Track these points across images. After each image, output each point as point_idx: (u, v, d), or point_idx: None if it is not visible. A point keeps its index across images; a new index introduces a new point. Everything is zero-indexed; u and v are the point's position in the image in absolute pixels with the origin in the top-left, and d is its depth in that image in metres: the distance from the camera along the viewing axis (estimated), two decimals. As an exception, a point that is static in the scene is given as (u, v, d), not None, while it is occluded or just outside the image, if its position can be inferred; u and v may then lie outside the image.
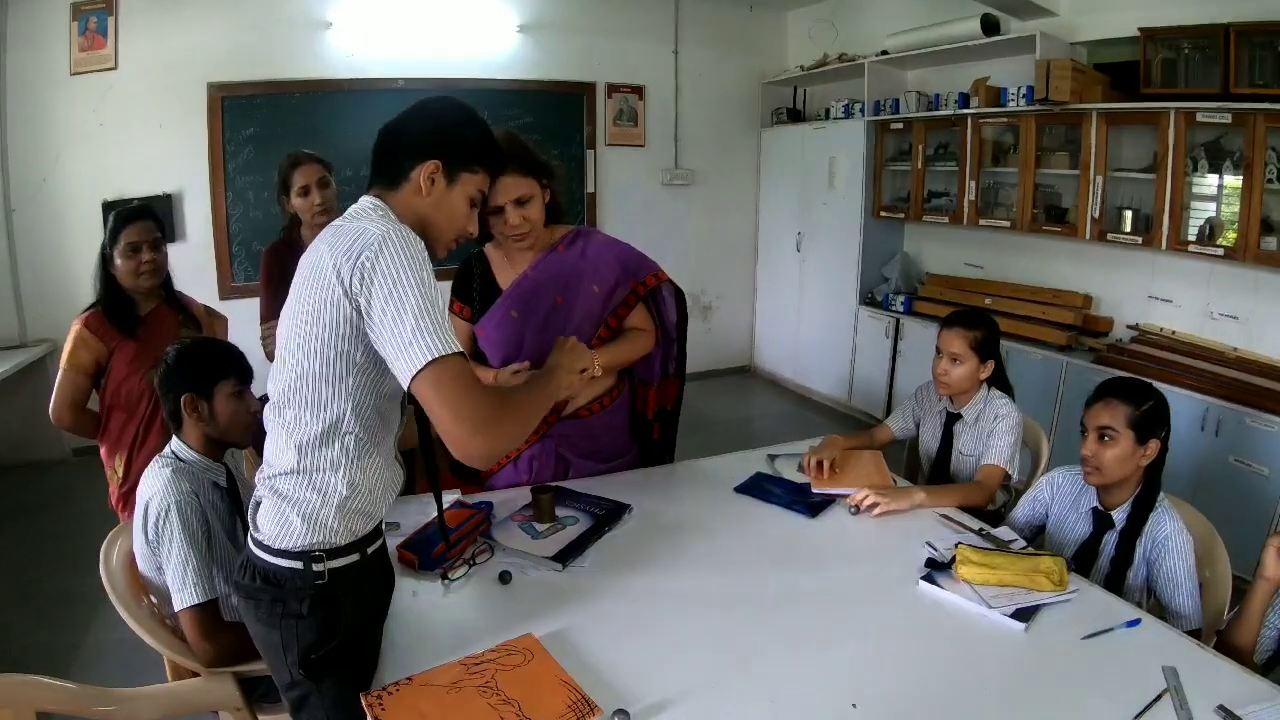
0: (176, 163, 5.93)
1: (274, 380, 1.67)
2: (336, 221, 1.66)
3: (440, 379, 1.48)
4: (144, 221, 2.94)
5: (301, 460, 1.62)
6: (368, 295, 1.49)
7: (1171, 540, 2.23)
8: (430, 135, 1.72)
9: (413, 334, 1.47)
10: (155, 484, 2.18)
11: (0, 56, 5.48)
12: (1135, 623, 1.90)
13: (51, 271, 5.68)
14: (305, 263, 1.63)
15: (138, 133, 5.80)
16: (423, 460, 1.96)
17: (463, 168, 1.74)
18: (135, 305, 2.96)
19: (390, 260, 1.49)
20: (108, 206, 5.55)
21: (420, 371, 1.47)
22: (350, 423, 1.61)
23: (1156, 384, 2.44)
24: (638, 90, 7.39)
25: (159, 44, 5.75)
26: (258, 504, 1.71)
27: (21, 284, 5.77)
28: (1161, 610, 2.24)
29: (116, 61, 5.70)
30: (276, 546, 1.64)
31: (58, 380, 2.89)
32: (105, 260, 2.92)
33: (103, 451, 3.00)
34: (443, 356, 1.48)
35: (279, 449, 1.66)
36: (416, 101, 1.80)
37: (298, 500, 1.63)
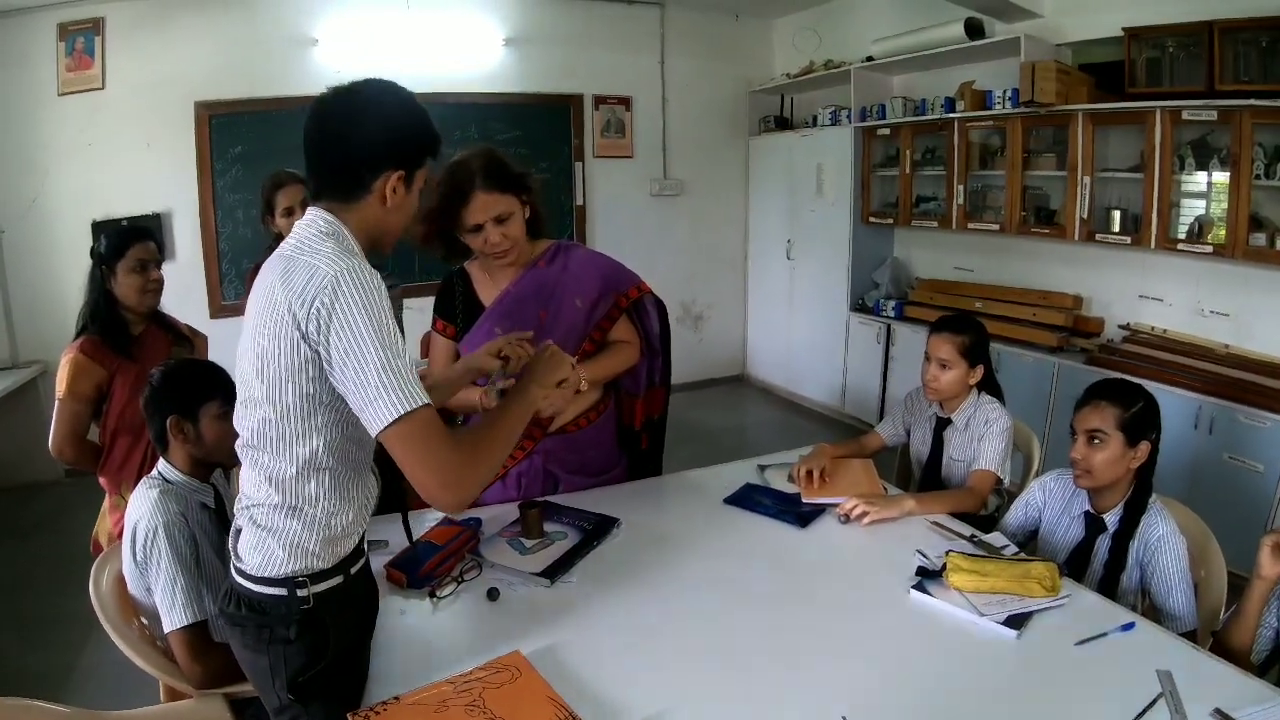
0: (165, 182, 5.95)
1: (241, 421, 1.63)
2: (287, 248, 1.59)
3: (407, 435, 1.47)
4: (150, 241, 2.93)
5: (278, 496, 1.60)
6: (326, 344, 1.46)
7: (1164, 542, 2.22)
8: (387, 142, 1.64)
9: (377, 389, 1.45)
10: (143, 505, 2.17)
11: (-13, 78, 5.49)
12: (1129, 626, 1.89)
13: (42, 292, 5.68)
14: (256, 294, 1.59)
15: (126, 152, 5.82)
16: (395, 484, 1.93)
17: (418, 167, 1.69)
18: (129, 326, 2.93)
19: (346, 306, 1.45)
20: (97, 226, 5.60)
21: (387, 427, 1.46)
22: (324, 458, 1.59)
23: (1148, 383, 2.44)
24: (625, 101, 7.39)
25: (146, 63, 5.77)
26: (238, 532, 1.68)
27: (12, 305, 5.79)
28: (1157, 613, 2.23)
29: (104, 81, 5.73)
30: (259, 575, 1.62)
31: (56, 413, 2.82)
32: (102, 278, 2.86)
33: (104, 482, 2.92)
34: (409, 412, 1.46)
35: (254, 484, 1.63)
36: (348, 93, 1.64)
37: (278, 530, 1.61)
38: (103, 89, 5.73)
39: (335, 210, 1.63)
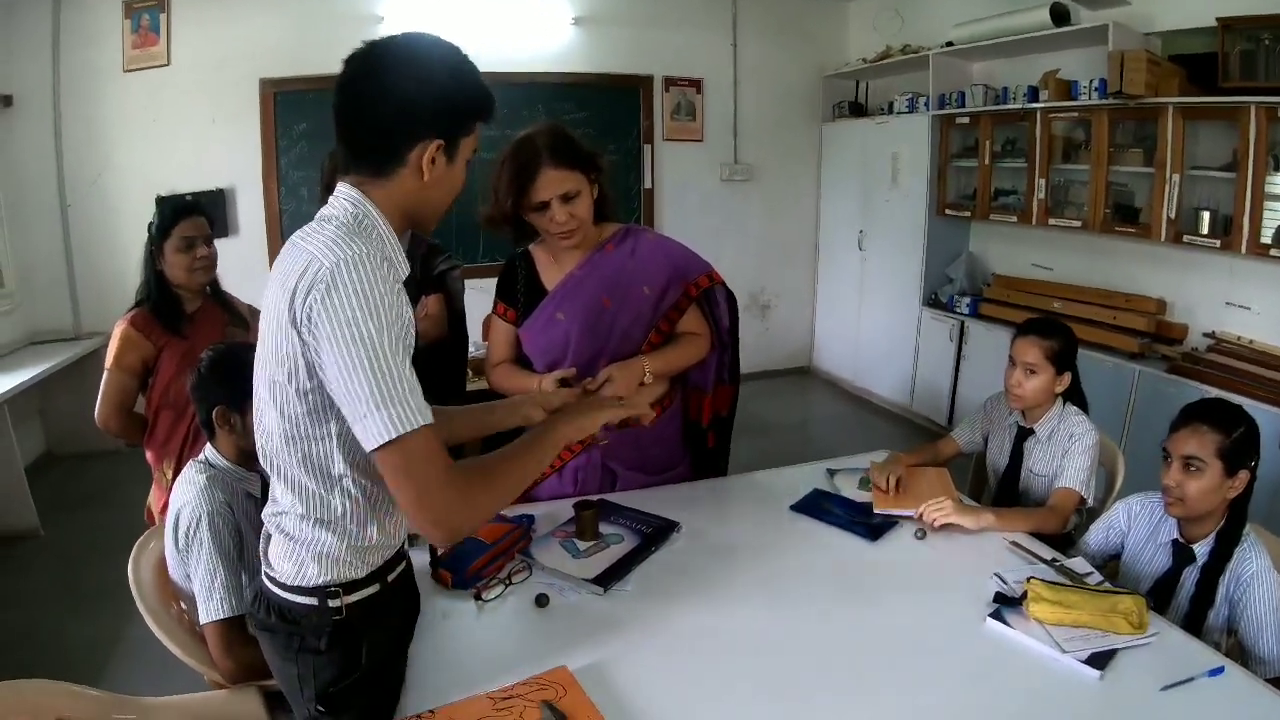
0: (229, 158, 6.01)
1: (257, 425, 1.52)
2: (305, 228, 1.45)
3: (401, 461, 1.33)
4: (199, 216, 2.90)
5: (303, 507, 1.48)
6: (316, 344, 1.32)
7: (1258, 579, 2.05)
8: (425, 107, 1.44)
9: (367, 405, 1.30)
10: (189, 491, 2.14)
11: (55, 55, 5.59)
12: (1218, 671, 1.73)
13: (106, 266, 5.76)
14: (271, 280, 1.44)
15: (190, 129, 5.89)
16: None
17: (463, 135, 1.49)
18: (182, 302, 2.90)
19: (340, 304, 1.30)
20: (161, 201, 5.59)
21: (377, 450, 1.32)
22: (343, 469, 1.46)
23: (1231, 396, 2.27)
24: (695, 84, 7.26)
25: (211, 40, 5.83)
26: (268, 538, 1.59)
27: (77, 278, 5.90)
28: (1241, 652, 2.07)
29: (169, 58, 5.80)
30: (291, 584, 1.52)
31: (104, 383, 2.85)
32: (153, 255, 2.86)
33: (149, 456, 2.95)
34: (401, 436, 1.30)
35: (279, 491, 1.52)
36: (384, 49, 1.46)
37: (307, 540, 1.49)
38: (167, 65, 5.80)
39: (364, 185, 1.47)
